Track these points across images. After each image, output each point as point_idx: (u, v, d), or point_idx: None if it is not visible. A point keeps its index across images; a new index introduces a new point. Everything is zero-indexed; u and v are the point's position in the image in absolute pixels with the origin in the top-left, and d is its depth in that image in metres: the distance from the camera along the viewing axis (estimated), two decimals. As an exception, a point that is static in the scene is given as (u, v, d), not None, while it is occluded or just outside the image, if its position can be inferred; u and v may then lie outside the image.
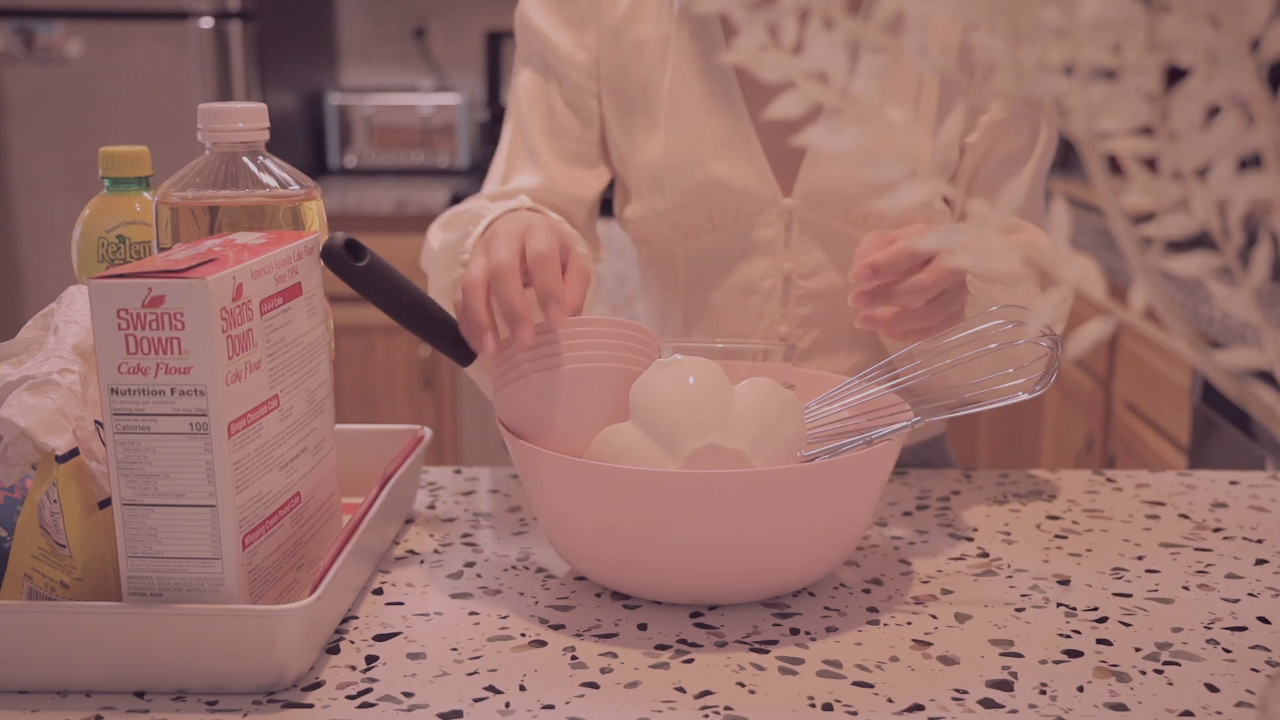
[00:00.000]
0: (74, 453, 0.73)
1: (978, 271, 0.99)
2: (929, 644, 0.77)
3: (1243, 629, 0.80)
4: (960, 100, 1.10)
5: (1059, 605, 0.83)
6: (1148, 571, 0.89)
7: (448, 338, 0.86)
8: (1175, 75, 0.40)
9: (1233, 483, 1.09)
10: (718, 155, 1.09)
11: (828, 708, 0.69)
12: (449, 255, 1.02)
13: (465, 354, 0.87)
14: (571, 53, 1.12)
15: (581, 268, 0.88)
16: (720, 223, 1.11)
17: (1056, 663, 0.75)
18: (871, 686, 0.72)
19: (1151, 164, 0.41)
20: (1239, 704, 0.70)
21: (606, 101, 1.13)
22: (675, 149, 1.09)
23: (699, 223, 1.11)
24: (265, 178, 0.85)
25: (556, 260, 0.85)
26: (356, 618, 0.81)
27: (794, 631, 0.79)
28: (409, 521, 0.98)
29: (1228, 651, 0.77)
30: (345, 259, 0.81)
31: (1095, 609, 0.83)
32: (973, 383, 0.94)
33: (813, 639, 0.78)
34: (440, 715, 0.69)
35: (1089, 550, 0.93)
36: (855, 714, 0.69)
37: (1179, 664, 0.75)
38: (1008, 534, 0.96)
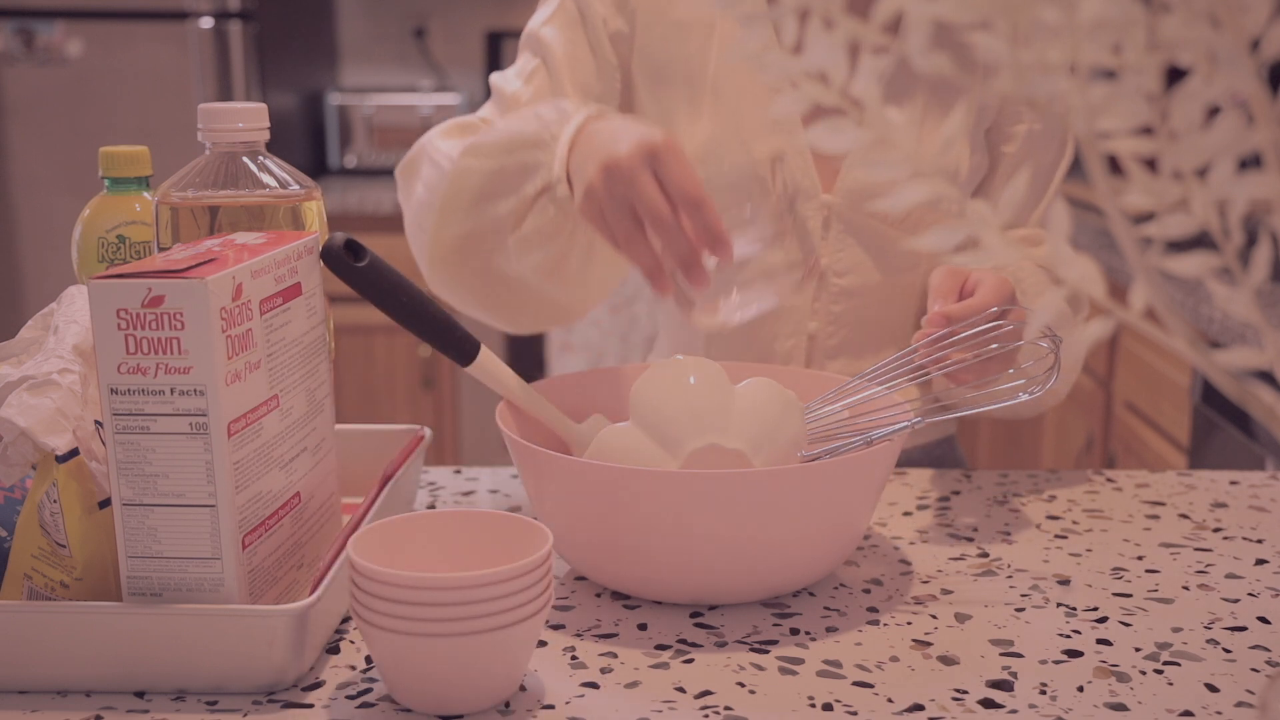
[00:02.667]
0: (74, 453, 0.73)
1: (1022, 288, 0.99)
2: (929, 644, 0.77)
3: (1243, 629, 0.80)
4: (963, 99, 1.10)
5: (1059, 605, 0.83)
6: (1148, 571, 0.89)
7: (447, 338, 0.86)
8: (1175, 75, 0.40)
9: (1233, 483, 1.09)
10: (765, 144, 1.07)
11: (828, 708, 0.69)
12: (505, 163, 0.93)
13: (465, 354, 0.87)
14: (606, 14, 1.09)
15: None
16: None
17: (1056, 663, 0.75)
18: (871, 686, 0.72)
19: (1151, 164, 0.41)
20: (1239, 704, 0.70)
21: (640, 77, 1.11)
22: (721, 134, 1.08)
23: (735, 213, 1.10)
24: (265, 178, 0.85)
25: (708, 200, 0.81)
26: (356, 618, 0.81)
27: (794, 631, 0.79)
28: (409, 521, 0.98)
29: (1228, 651, 0.77)
30: (345, 259, 0.81)
31: (1095, 609, 0.83)
32: (974, 383, 0.94)
33: (813, 639, 0.78)
34: (440, 715, 0.69)
35: (1089, 550, 0.93)
36: (855, 714, 0.69)
37: (1179, 664, 0.75)
38: (1008, 534, 0.96)
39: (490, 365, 0.88)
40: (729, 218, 0.88)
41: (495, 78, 1.12)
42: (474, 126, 1.06)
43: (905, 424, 0.83)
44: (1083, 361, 1.06)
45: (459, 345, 0.87)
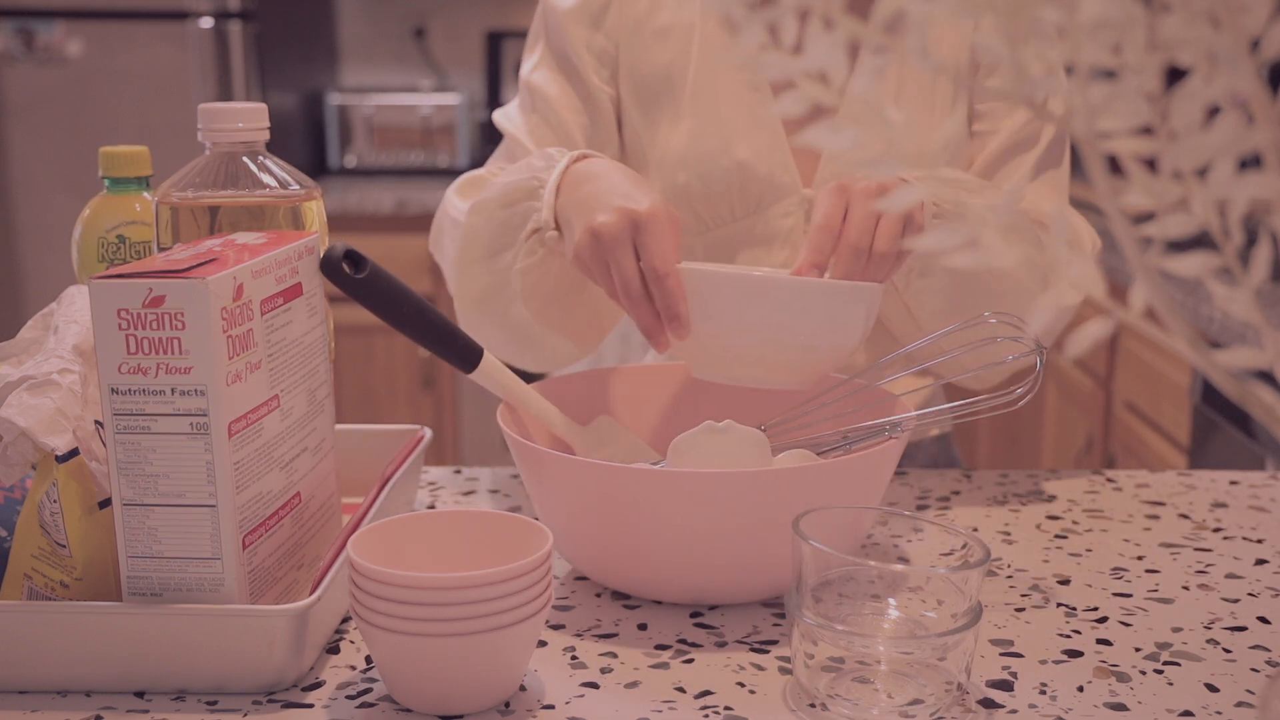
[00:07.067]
0: (74, 453, 0.73)
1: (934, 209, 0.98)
2: (929, 644, 0.77)
3: (1243, 629, 0.80)
4: (962, 98, 1.10)
5: (1059, 605, 0.83)
6: (1148, 571, 0.89)
7: (450, 345, 0.86)
8: (1175, 75, 0.40)
9: (1233, 483, 1.09)
10: (743, 141, 1.09)
11: (827, 707, 0.69)
12: (506, 217, 0.99)
13: (468, 361, 0.87)
14: (592, 64, 1.13)
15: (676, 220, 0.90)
16: (740, 212, 1.11)
17: (1056, 663, 0.75)
18: (872, 682, 0.72)
19: (1151, 164, 0.41)
20: (1239, 704, 0.70)
21: (627, 94, 1.13)
22: (701, 135, 1.10)
23: (720, 212, 1.11)
24: (265, 178, 0.85)
25: (672, 276, 0.86)
26: (356, 618, 0.81)
27: (794, 631, 0.79)
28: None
29: (1228, 651, 0.77)
30: (345, 271, 0.80)
31: (1095, 609, 0.83)
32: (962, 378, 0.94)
33: (813, 639, 0.78)
34: (440, 715, 0.69)
35: (1089, 550, 0.93)
36: (855, 714, 0.69)
37: (1179, 664, 0.75)
38: (1008, 534, 0.96)
39: (493, 371, 0.88)
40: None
41: (499, 117, 1.17)
42: (484, 181, 1.11)
43: (888, 432, 0.83)
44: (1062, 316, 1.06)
45: (462, 352, 0.86)
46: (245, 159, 0.85)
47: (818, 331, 0.86)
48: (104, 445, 0.74)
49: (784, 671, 0.74)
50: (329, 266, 0.80)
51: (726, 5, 0.42)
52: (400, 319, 0.83)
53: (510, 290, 1.01)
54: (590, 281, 1.00)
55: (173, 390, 0.67)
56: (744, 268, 1.03)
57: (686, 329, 0.86)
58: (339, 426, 0.99)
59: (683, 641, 0.78)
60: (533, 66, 1.16)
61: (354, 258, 0.81)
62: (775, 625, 0.80)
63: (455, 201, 1.09)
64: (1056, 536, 0.96)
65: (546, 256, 0.98)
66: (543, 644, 0.77)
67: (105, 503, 0.74)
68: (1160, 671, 0.74)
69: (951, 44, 1.09)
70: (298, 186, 0.86)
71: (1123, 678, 0.73)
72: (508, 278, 1.01)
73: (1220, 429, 1.89)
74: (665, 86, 1.11)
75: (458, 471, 1.11)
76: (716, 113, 1.10)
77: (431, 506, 1.02)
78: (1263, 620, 0.81)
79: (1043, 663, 0.75)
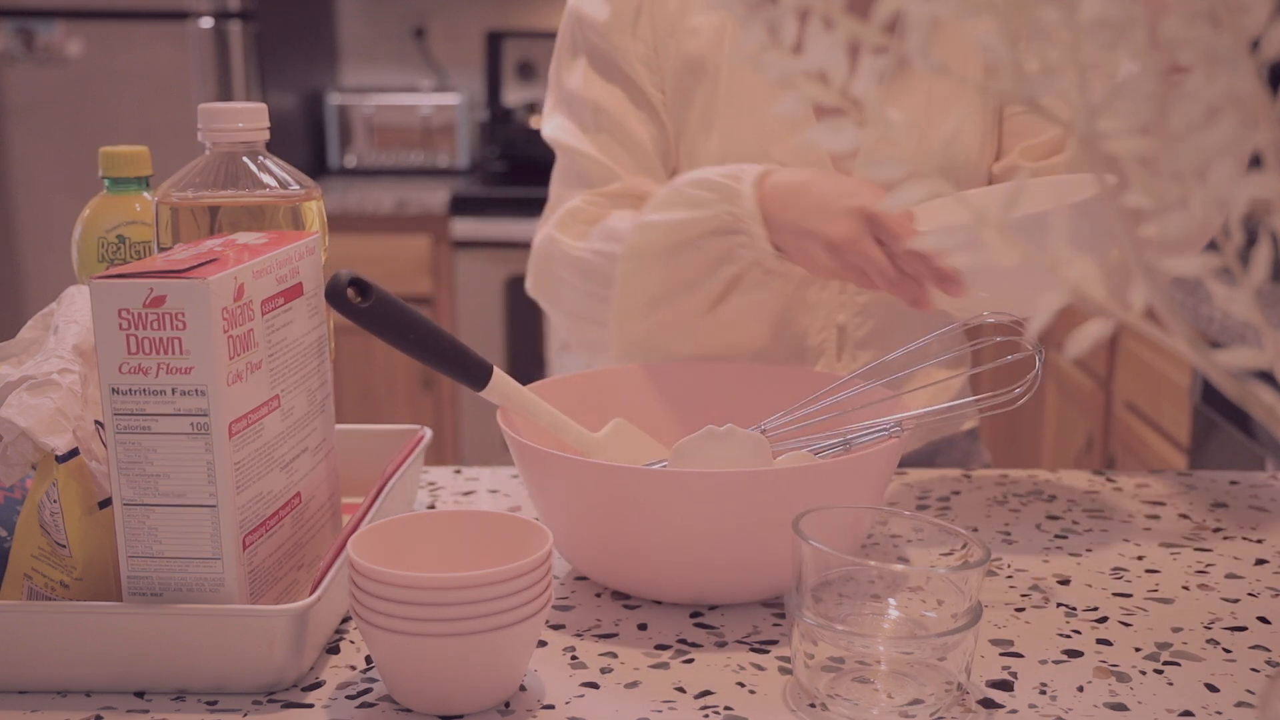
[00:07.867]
0: (74, 453, 0.73)
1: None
2: (929, 644, 0.77)
3: (1243, 629, 0.80)
4: (962, 99, 1.09)
5: (1059, 605, 0.83)
6: (1148, 571, 0.89)
7: (459, 365, 0.85)
8: (1175, 75, 0.40)
9: (1233, 483, 1.09)
10: (780, 142, 1.08)
11: (827, 707, 0.69)
12: (679, 258, 1.01)
13: (478, 380, 0.86)
14: (636, 53, 1.11)
15: None
16: None
17: (1056, 663, 0.75)
18: (872, 682, 0.72)
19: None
20: (1239, 704, 0.70)
21: (668, 96, 1.12)
22: (737, 136, 1.08)
23: None
24: (265, 178, 0.85)
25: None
26: (357, 618, 0.81)
27: (794, 631, 0.79)
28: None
29: (1228, 651, 0.77)
30: (350, 299, 0.80)
31: (1095, 609, 0.83)
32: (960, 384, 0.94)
33: (813, 639, 0.78)
34: (440, 715, 0.69)
35: (1089, 550, 0.93)
36: (855, 714, 0.69)
37: (1179, 664, 0.75)
38: (1008, 534, 0.96)
39: (504, 387, 0.87)
40: None
41: (555, 133, 1.14)
42: (586, 214, 1.10)
43: (887, 430, 0.83)
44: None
45: (471, 371, 0.86)
46: (245, 159, 0.85)
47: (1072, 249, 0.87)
48: (104, 445, 0.74)
49: (784, 671, 0.74)
50: (334, 296, 0.79)
51: (729, 5, 0.42)
52: (408, 344, 0.83)
53: (675, 331, 1.04)
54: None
55: (173, 390, 0.67)
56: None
57: (961, 283, 0.88)
58: (339, 426, 0.99)
59: (683, 641, 0.78)
60: (583, 83, 1.12)
61: (359, 285, 0.80)
62: (775, 625, 0.80)
63: (568, 241, 1.09)
64: (1056, 536, 0.96)
65: (767, 280, 1.01)
66: (543, 644, 0.78)
67: (105, 503, 0.74)
68: (1160, 671, 0.74)
69: (973, 50, 1.09)
70: (298, 186, 0.86)
71: (1123, 678, 0.73)
72: (678, 320, 1.03)
73: (1220, 429, 1.89)
74: (699, 85, 1.10)
75: (458, 471, 1.11)
76: (752, 114, 1.08)
77: (431, 506, 1.02)
78: (1263, 620, 0.81)
79: (1043, 663, 0.75)
